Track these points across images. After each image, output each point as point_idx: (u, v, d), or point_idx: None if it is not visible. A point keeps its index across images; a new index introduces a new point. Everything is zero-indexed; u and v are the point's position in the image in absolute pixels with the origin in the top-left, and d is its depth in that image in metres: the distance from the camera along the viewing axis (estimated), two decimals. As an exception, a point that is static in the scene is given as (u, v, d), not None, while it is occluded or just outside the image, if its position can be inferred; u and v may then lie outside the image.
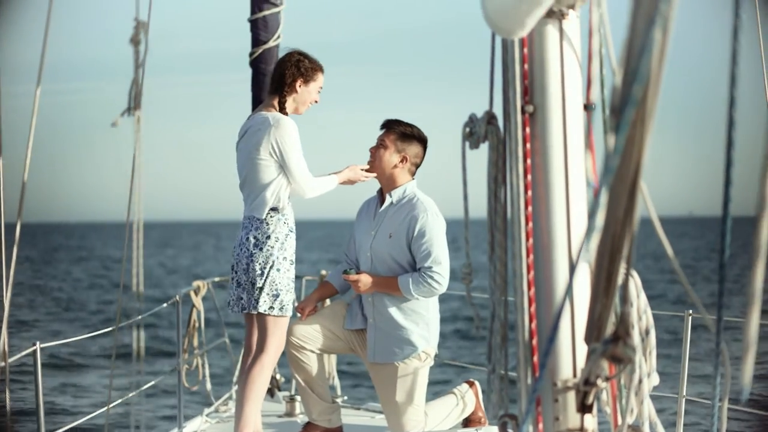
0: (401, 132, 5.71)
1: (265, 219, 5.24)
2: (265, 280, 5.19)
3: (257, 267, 5.19)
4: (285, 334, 5.35)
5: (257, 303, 5.20)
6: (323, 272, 7.31)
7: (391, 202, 5.72)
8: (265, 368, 5.28)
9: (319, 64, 5.46)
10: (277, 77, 5.38)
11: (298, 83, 5.36)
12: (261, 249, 5.20)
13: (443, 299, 5.92)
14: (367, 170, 5.70)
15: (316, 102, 5.46)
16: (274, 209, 5.25)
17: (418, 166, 5.78)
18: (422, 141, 5.74)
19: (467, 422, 5.99)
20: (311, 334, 5.70)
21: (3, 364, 2.66)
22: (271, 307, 5.22)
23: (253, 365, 5.28)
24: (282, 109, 5.34)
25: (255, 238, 5.22)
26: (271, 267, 5.20)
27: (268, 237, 5.22)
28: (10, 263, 2.79)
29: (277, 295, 5.22)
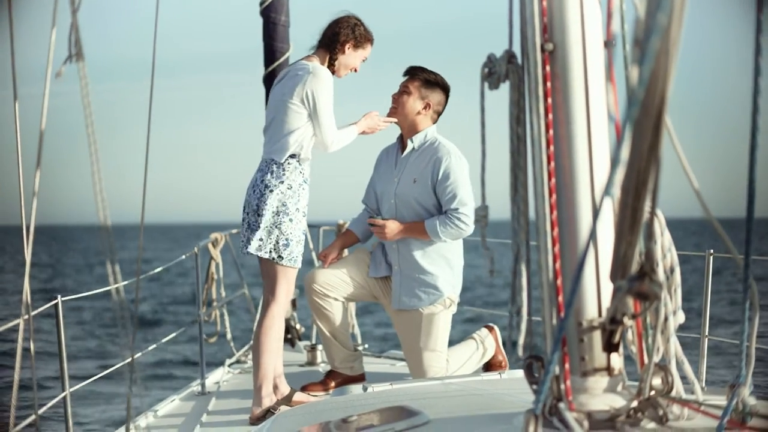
0: (425, 79, 5.68)
1: (283, 164, 5.22)
2: (274, 226, 5.19)
3: (266, 210, 5.18)
4: (293, 283, 5.37)
5: (261, 247, 5.21)
6: (340, 221, 7.30)
7: (413, 148, 5.70)
8: (276, 317, 5.29)
9: (371, 35, 5.52)
10: (330, 34, 5.42)
11: (348, 45, 5.39)
12: (272, 192, 5.19)
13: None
14: (387, 116, 5.69)
15: (355, 70, 5.49)
16: (293, 156, 5.24)
17: (440, 114, 5.76)
18: (445, 89, 5.71)
19: (488, 367, 6.00)
20: (334, 282, 5.70)
21: (27, 316, 2.68)
22: (281, 257, 5.22)
23: (264, 316, 5.30)
24: (330, 66, 5.37)
25: (269, 181, 5.21)
26: (281, 214, 5.19)
27: (282, 182, 5.21)
28: (30, 221, 2.79)
29: (287, 245, 5.22)
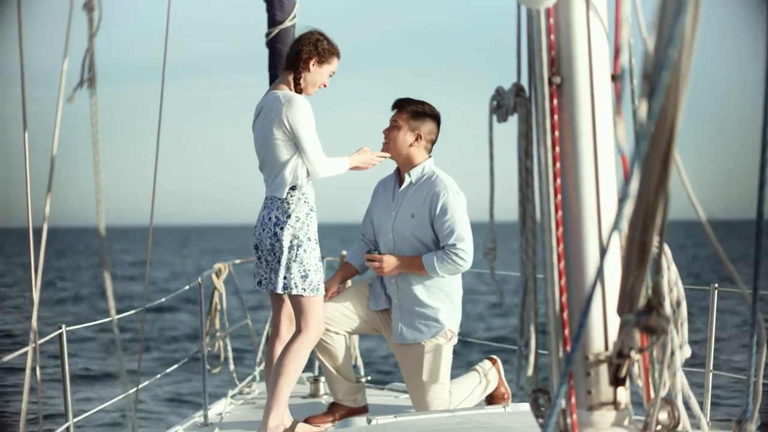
0: (413, 110, 5.69)
1: (286, 198, 5.21)
2: (291, 260, 5.16)
3: (281, 246, 5.16)
4: (321, 312, 5.29)
5: (287, 285, 5.17)
6: (344, 252, 7.29)
7: (411, 182, 5.69)
8: (304, 348, 5.21)
9: (336, 48, 5.43)
10: (293, 54, 5.36)
11: (312, 62, 5.33)
12: (282, 228, 5.17)
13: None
14: (382, 150, 5.68)
15: (324, 86, 5.43)
16: (293, 188, 5.22)
17: (433, 142, 5.76)
18: (435, 117, 5.72)
19: (490, 399, 5.98)
20: (335, 316, 5.68)
21: (34, 345, 2.68)
22: (303, 289, 5.18)
23: (292, 343, 5.21)
24: (296, 86, 5.33)
25: (276, 217, 5.20)
26: (296, 247, 5.17)
27: (289, 216, 5.19)
28: (39, 249, 2.79)
29: (306, 276, 5.18)
